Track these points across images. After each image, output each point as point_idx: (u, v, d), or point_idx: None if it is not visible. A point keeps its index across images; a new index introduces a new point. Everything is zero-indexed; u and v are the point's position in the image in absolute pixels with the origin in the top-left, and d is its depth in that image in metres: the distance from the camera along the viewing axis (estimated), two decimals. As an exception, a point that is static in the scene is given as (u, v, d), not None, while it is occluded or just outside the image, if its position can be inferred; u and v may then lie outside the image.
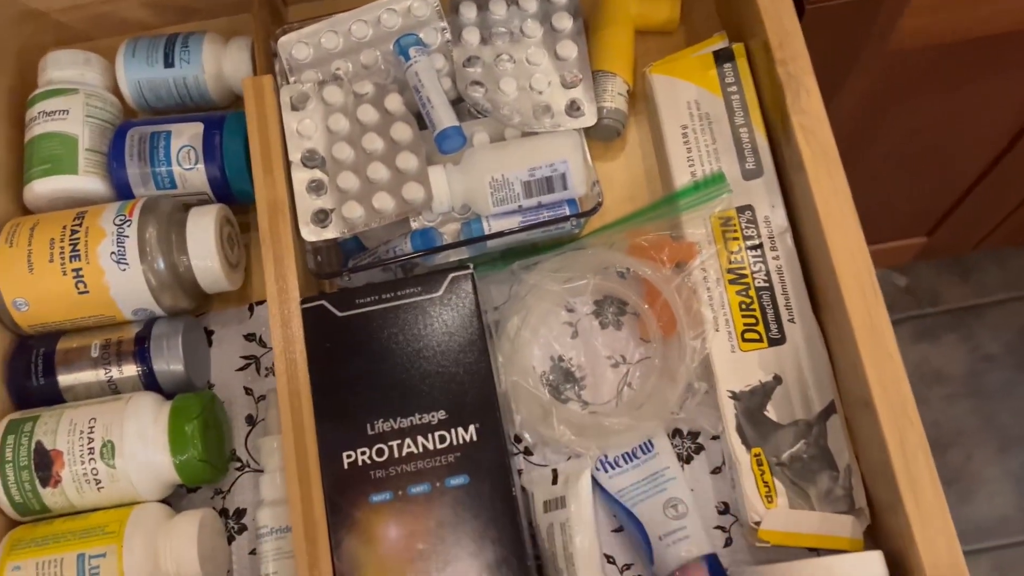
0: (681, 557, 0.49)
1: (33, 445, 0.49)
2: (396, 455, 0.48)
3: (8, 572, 0.48)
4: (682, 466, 0.52)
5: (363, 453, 0.48)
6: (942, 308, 1.40)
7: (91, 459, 0.49)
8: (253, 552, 0.53)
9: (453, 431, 0.48)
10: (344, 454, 0.48)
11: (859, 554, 0.45)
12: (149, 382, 0.53)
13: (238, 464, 0.55)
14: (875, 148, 0.91)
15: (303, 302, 0.50)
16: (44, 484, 0.49)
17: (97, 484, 0.49)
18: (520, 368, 0.53)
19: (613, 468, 0.52)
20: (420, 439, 0.48)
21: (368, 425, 0.48)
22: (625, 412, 0.52)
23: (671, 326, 0.52)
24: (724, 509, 0.52)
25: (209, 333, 0.57)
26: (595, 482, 0.52)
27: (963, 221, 1.18)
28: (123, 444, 0.49)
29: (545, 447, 0.54)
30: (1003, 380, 1.33)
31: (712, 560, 0.49)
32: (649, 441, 0.52)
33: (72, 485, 0.49)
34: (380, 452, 0.48)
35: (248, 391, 0.56)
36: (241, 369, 0.56)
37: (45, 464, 0.49)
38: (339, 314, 0.51)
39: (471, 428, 0.48)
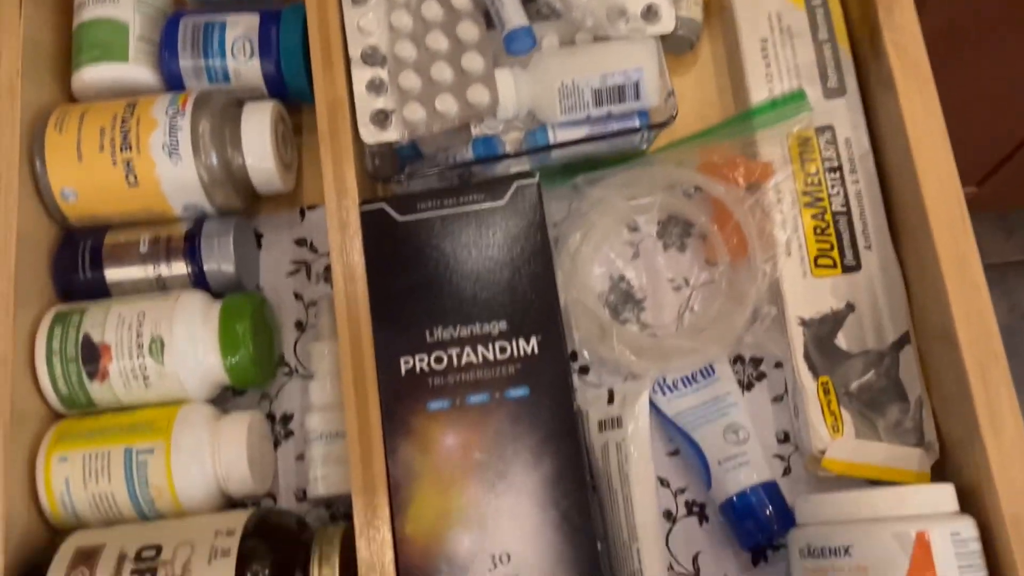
0: (740, 483, 0.47)
1: (80, 338, 0.48)
2: (455, 364, 0.46)
3: (54, 463, 0.47)
4: (742, 393, 0.51)
5: (421, 360, 0.47)
6: (984, 263, 1.37)
7: (140, 355, 0.48)
8: (300, 458, 0.52)
9: (514, 342, 0.47)
10: (402, 360, 0.47)
11: (931, 485, 0.44)
12: (198, 281, 0.51)
13: (286, 369, 0.53)
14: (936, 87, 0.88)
15: (362, 204, 0.48)
16: (91, 378, 0.48)
17: (145, 380, 0.48)
18: (579, 285, 0.51)
19: (671, 391, 0.50)
20: (480, 348, 0.47)
21: (427, 332, 0.47)
22: (687, 336, 0.51)
23: (741, 249, 0.50)
24: (784, 438, 0.50)
25: (258, 237, 0.56)
26: (652, 405, 0.50)
27: (1015, 174, 1.15)
28: (173, 342, 0.48)
29: (602, 367, 0.52)
30: (1044, 337, 1.30)
31: (772, 487, 0.48)
32: (710, 365, 0.51)
33: (119, 380, 0.48)
34: (439, 360, 0.47)
35: (298, 297, 0.54)
36: (291, 274, 0.55)
37: (93, 357, 0.48)
38: (399, 218, 0.49)
39: (532, 340, 0.47)
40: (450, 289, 0.48)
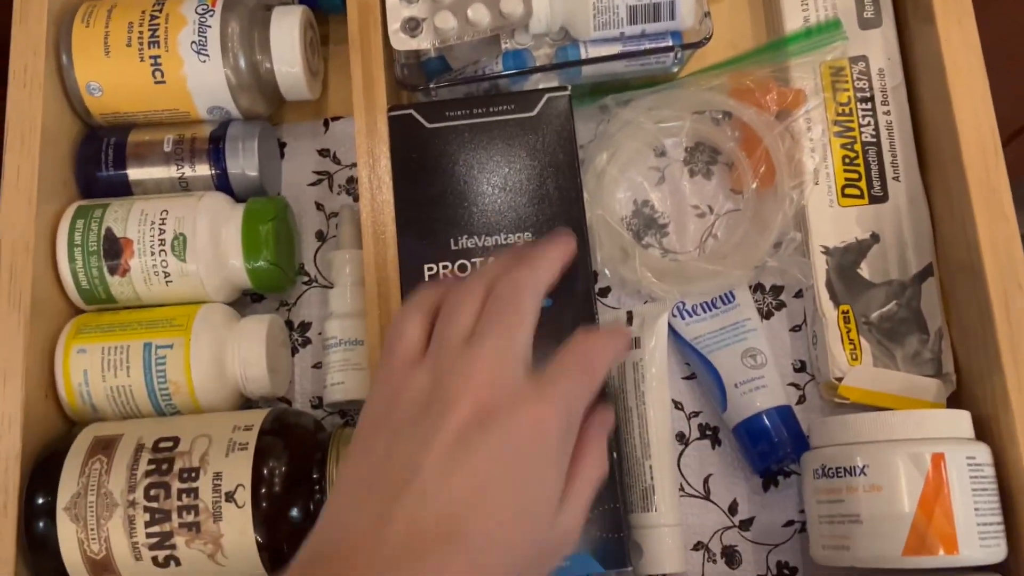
0: (756, 406, 0.48)
1: (103, 231, 0.48)
2: (479, 273, 0.46)
3: (73, 354, 0.47)
4: (761, 320, 0.51)
5: (445, 268, 0.46)
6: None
7: (162, 251, 0.48)
8: (316, 366, 0.52)
9: (539, 255, 0.47)
10: (426, 267, 0.46)
11: (949, 411, 0.44)
12: (221, 183, 0.51)
13: (305, 278, 0.53)
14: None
15: (390, 109, 0.48)
16: (112, 272, 0.48)
17: (166, 278, 0.48)
18: (604, 206, 0.51)
19: (691, 316, 0.51)
20: (504, 259, 0.46)
21: (452, 240, 0.47)
22: (709, 260, 0.51)
23: (768, 177, 0.50)
24: (800, 367, 0.50)
25: (281, 145, 0.55)
26: (670, 328, 0.50)
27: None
28: (195, 240, 0.48)
29: (622, 289, 0.52)
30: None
31: (787, 411, 0.48)
32: (730, 292, 0.51)
33: (140, 276, 0.48)
34: (463, 268, 0.46)
35: (319, 206, 0.54)
36: (313, 184, 0.55)
37: (114, 251, 0.48)
38: (428, 125, 0.48)
39: (558, 253, 0.46)
40: (476, 199, 0.47)
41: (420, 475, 0.31)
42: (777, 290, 0.52)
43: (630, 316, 0.50)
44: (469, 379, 0.32)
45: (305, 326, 0.52)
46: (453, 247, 0.47)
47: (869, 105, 0.50)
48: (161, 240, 0.48)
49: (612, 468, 0.44)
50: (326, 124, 0.55)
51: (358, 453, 0.34)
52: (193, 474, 0.43)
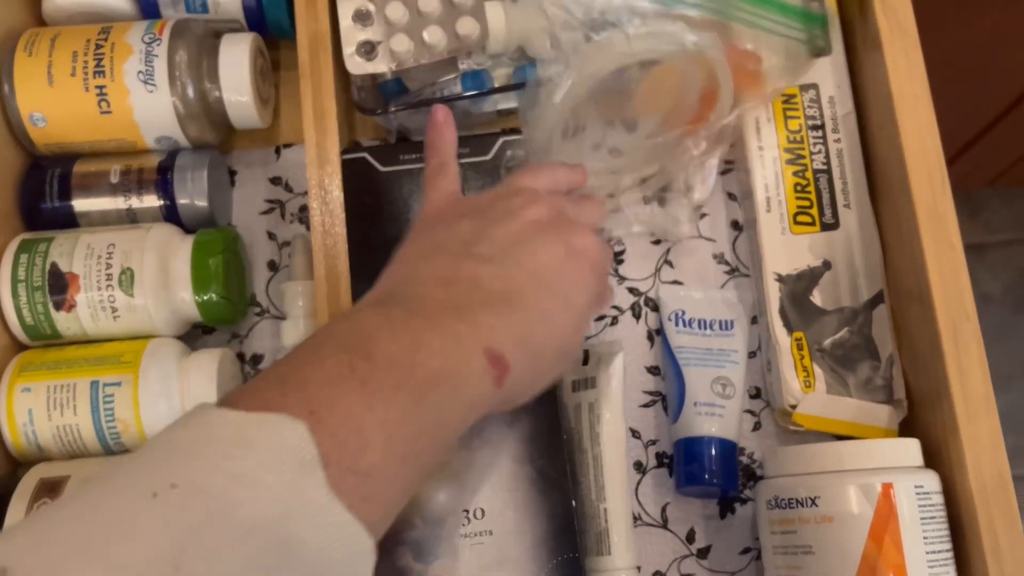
0: (704, 430, 0.48)
1: (48, 266, 0.47)
2: (431, 314, 0.46)
3: (17, 393, 0.46)
4: (747, 359, 0.51)
5: (400, 309, 0.46)
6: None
7: (109, 286, 0.47)
8: (270, 399, 0.51)
9: (493, 294, 0.46)
10: (378, 308, 0.46)
11: (897, 439, 0.44)
12: (170, 215, 0.50)
13: (257, 310, 0.52)
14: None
15: (344, 152, 0.47)
16: (58, 308, 0.47)
17: (114, 312, 0.47)
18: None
19: (685, 326, 0.50)
20: (457, 295, 0.46)
21: (405, 282, 0.46)
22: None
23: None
24: (755, 394, 0.51)
25: (232, 173, 0.54)
26: (660, 332, 0.51)
27: (983, 153, 1.16)
28: (143, 274, 0.47)
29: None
30: (998, 322, 1.33)
31: (731, 448, 0.48)
32: (731, 321, 0.50)
33: (87, 311, 0.47)
34: (416, 309, 0.46)
35: (271, 236, 0.53)
36: (265, 213, 0.54)
37: (60, 287, 0.47)
38: (381, 168, 0.48)
39: (511, 291, 0.46)
40: (430, 235, 0.47)
41: (492, 243, 0.36)
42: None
43: (585, 355, 0.50)
44: (528, 200, 0.39)
45: (257, 358, 0.52)
46: None
47: (820, 133, 0.50)
48: (108, 275, 0.47)
49: (570, 517, 0.44)
50: (278, 152, 0.55)
51: (415, 237, 0.39)
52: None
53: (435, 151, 0.42)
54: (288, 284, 0.51)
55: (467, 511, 0.44)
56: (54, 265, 0.47)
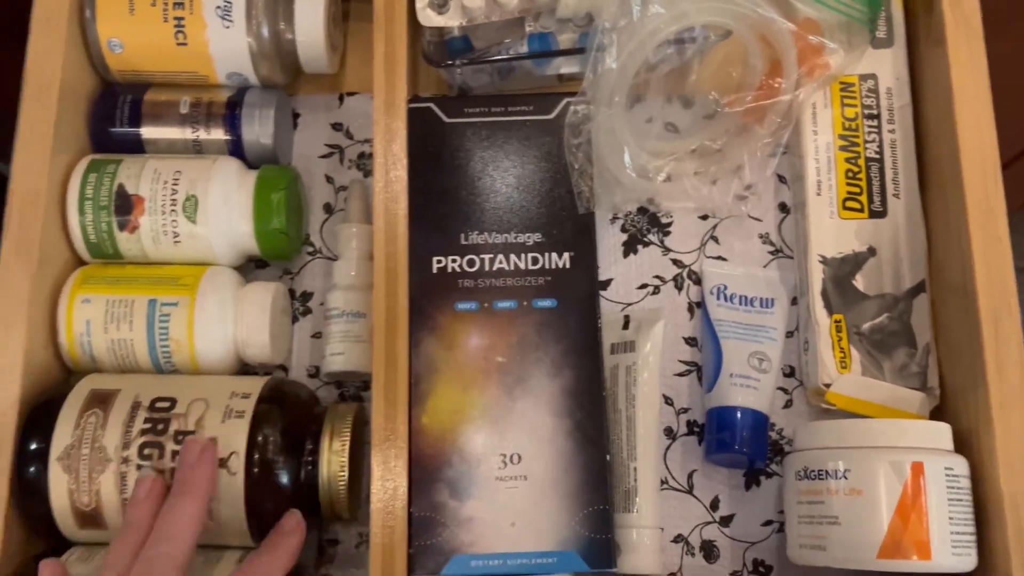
0: (739, 401, 0.49)
1: (115, 187, 0.48)
2: (487, 268, 0.47)
3: (77, 303, 0.47)
4: (785, 338, 0.52)
5: (454, 261, 0.47)
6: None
7: (173, 211, 0.48)
8: (316, 336, 0.52)
9: (547, 255, 0.48)
10: (434, 259, 0.47)
11: (931, 422, 0.45)
12: (235, 149, 0.51)
13: (310, 249, 0.54)
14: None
15: (410, 102, 0.48)
16: (122, 228, 0.48)
17: (175, 238, 0.48)
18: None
19: (726, 300, 0.51)
20: (513, 257, 0.47)
21: (462, 235, 0.48)
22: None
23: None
24: (789, 372, 0.52)
25: (295, 116, 0.56)
26: (701, 304, 0.52)
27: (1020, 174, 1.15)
28: (207, 202, 0.48)
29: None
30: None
31: (763, 420, 0.49)
32: (772, 299, 0.51)
33: (149, 234, 0.48)
34: (471, 263, 0.47)
35: (329, 179, 0.55)
36: (324, 157, 0.55)
37: (125, 208, 0.48)
38: (446, 120, 0.49)
39: (565, 255, 0.48)
40: (489, 196, 0.48)
41: None
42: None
43: (627, 320, 0.51)
44: None
45: (307, 296, 0.53)
46: (463, 241, 0.48)
47: (875, 122, 0.51)
48: (173, 200, 0.48)
49: (603, 470, 0.45)
50: (341, 99, 0.56)
51: None
52: (188, 437, 0.43)
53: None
54: (343, 226, 0.52)
55: (504, 455, 0.45)
56: (121, 187, 0.48)
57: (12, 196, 0.47)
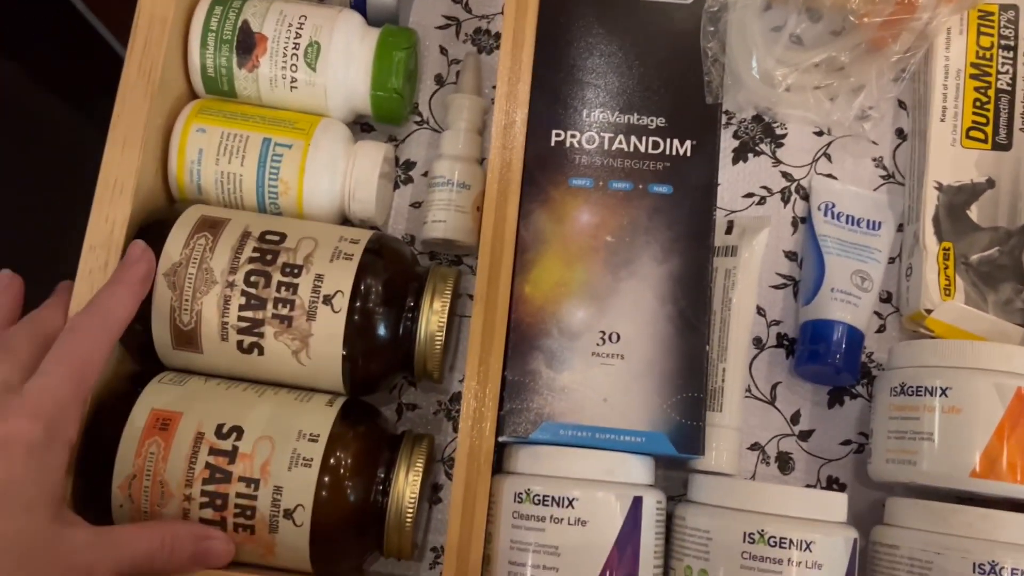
0: (836, 315, 0.48)
1: (239, 22, 0.48)
2: (606, 147, 0.47)
3: (192, 132, 0.47)
4: (888, 262, 0.51)
5: (573, 136, 0.47)
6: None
7: (294, 55, 0.48)
8: (414, 205, 0.52)
9: (668, 140, 0.47)
10: (553, 131, 0.47)
11: (1040, 353, 0.45)
12: (357, 4, 0.51)
13: (417, 119, 0.53)
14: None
15: (546, -32, 0.48)
16: (241, 66, 0.48)
17: (292, 83, 0.48)
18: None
19: (834, 218, 0.51)
20: (633, 139, 0.47)
21: (585, 111, 0.47)
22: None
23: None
24: (886, 298, 0.51)
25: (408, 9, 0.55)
26: (807, 220, 0.51)
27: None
28: (329, 51, 0.48)
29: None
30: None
31: (859, 336, 0.48)
32: (879, 221, 0.51)
33: (267, 75, 0.48)
34: (591, 140, 0.47)
35: (443, 51, 0.54)
36: (440, 28, 0.54)
37: (248, 45, 0.48)
38: (578, -9, 0.48)
39: (687, 143, 0.47)
40: (616, 74, 0.48)
41: None
42: (877, 220, 0.52)
43: (730, 225, 0.51)
44: None
45: (410, 164, 0.53)
46: (585, 117, 0.47)
47: (1011, 54, 0.50)
48: (296, 43, 0.48)
49: (701, 359, 0.44)
50: (464, -28, 0.55)
51: None
52: (295, 271, 0.43)
53: None
54: (455, 96, 0.51)
55: (603, 332, 0.45)
56: (246, 23, 0.48)
57: (139, 17, 0.46)
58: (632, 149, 0.47)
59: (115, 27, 0.98)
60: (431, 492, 0.49)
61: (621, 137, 0.47)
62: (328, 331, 0.43)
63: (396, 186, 0.53)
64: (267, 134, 0.47)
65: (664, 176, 0.46)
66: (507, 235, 0.45)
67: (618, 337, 0.45)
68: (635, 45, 0.48)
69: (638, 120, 0.47)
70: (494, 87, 0.50)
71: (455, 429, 0.49)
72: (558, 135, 0.47)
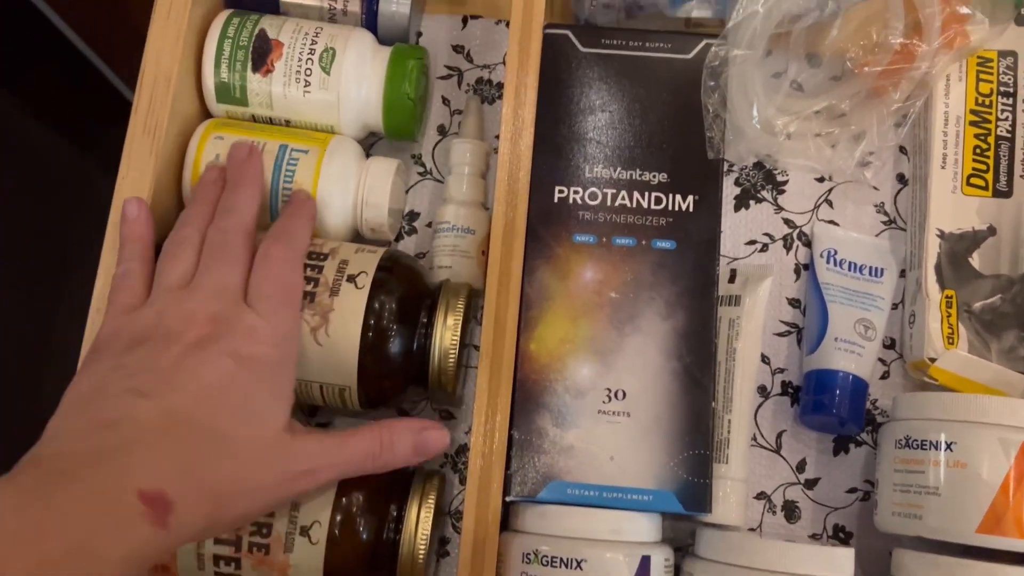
0: (840, 365, 0.48)
1: (256, 30, 0.48)
2: (608, 203, 0.47)
3: (210, 140, 0.47)
4: (891, 308, 0.51)
5: (576, 192, 0.47)
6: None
7: (310, 59, 0.48)
8: (420, 255, 0.52)
9: (670, 196, 0.47)
10: (556, 188, 0.47)
11: (1043, 406, 0.45)
12: (369, 23, 0.51)
13: (420, 169, 0.53)
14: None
15: (546, 28, 0.48)
16: (255, 70, 0.48)
17: (306, 87, 0.48)
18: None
19: (836, 265, 0.51)
20: (636, 195, 0.47)
21: (587, 167, 0.47)
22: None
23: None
24: (889, 344, 0.51)
25: (417, 35, 0.55)
26: (809, 267, 0.51)
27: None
28: (344, 57, 0.48)
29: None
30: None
31: (863, 386, 0.49)
32: (881, 268, 0.51)
33: (281, 80, 0.48)
34: (593, 196, 0.47)
35: (445, 101, 0.54)
36: (442, 78, 0.55)
37: (263, 50, 0.48)
38: (581, 48, 0.49)
39: (689, 198, 0.47)
40: (617, 130, 0.48)
41: (154, 374, 0.35)
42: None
43: (733, 274, 0.51)
44: (188, 316, 0.37)
45: (414, 215, 0.53)
46: (587, 174, 0.47)
47: (1010, 100, 0.50)
48: (312, 48, 0.48)
49: (707, 415, 0.45)
50: (464, 21, 0.55)
51: (80, 374, 0.37)
52: (321, 257, 0.44)
53: (122, 254, 0.42)
54: (458, 141, 0.51)
55: (609, 389, 0.45)
56: (263, 31, 0.48)
57: (143, 76, 0.46)
58: (635, 205, 0.47)
59: (112, 60, 0.98)
60: (438, 545, 0.49)
61: (624, 192, 0.47)
62: (349, 308, 0.43)
63: (400, 237, 0.53)
64: (284, 140, 0.47)
65: (667, 231, 0.47)
66: (511, 292, 0.45)
67: (624, 394, 0.45)
68: (637, 100, 0.48)
69: (640, 175, 0.47)
70: (497, 136, 0.51)
71: (461, 482, 0.49)
72: (561, 191, 0.47)
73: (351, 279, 0.43)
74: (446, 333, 0.44)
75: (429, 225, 0.52)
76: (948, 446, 0.43)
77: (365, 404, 0.44)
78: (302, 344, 0.43)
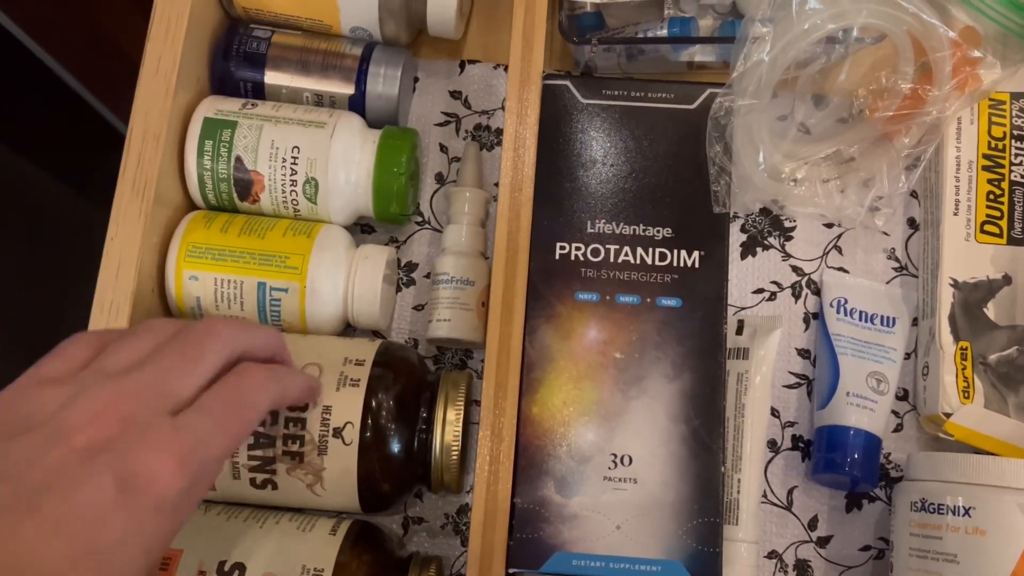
0: (852, 421, 0.47)
1: (233, 160, 0.47)
2: (611, 260, 0.46)
3: (186, 280, 0.46)
4: (904, 358, 0.50)
5: (578, 249, 0.46)
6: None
7: (293, 191, 0.47)
8: (417, 308, 0.51)
9: (675, 252, 0.46)
10: (558, 244, 0.46)
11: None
12: (356, 105, 0.49)
13: (419, 219, 0.52)
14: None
15: (545, 78, 0.46)
16: (242, 199, 0.47)
17: (295, 211, 0.48)
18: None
19: (847, 315, 0.49)
20: (640, 251, 0.46)
21: (589, 222, 0.46)
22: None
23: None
24: (902, 396, 0.50)
25: (414, 80, 0.54)
26: (819, 316, 0.50)
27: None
28: (327, 183, 0.47)
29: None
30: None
31: (876, 442, 0.47)
32: (893, 318, 0.50)
33: (270, 208, 0.48)
34: (596, 252, 0.46)
35: (443, 148, 0.53)
36: (440, 125, 0.53)
37: (245, 184, 0.47)
38: (582, 99, 0.47)
39: (695, 254, 0.46)
40: (619, 184, 0.47)
41: (16, 482, 0.27)
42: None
43: (740, 325, 0.49)
44: (96, 411, 0.29)
45: (412, 266, 0.51)
46: (589, 229, 0.46)
47: (1024, 145, 0.49)
48: (293, 181, 0.47)
49: (716, 481, 0.43)
50: (462, 66, 0.54)
51: None
52: (302, 406, 0.42)
53: (110, 330, 0.37)
54: (456, 190, 0.50)
55: (615, 455, 0.44)
56: (239, 162, 0.46)
57: (131, 133, 0.45)
58: (639, 261, 0.45)
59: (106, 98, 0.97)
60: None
61: (627, 248, 0.46)
62: (341, 464, 0.42)
63: (399, 288, 0.51)
64: (261, 277, 0.46)
65: (672, 289, 0.45)
66: (512, 353, 0.44)
67: (630, 460, 0.43)
68: (640, 152, 0.47)
69: (644, 231, 0.46)
70: (496, 184, 0.49)
71: (463, 543, 0.48)
72: (563, 247, 0.46)
73: (337, 434, 0.41)
74: (447, 429, 0.43)
75: (427, 276, 0.51)
76: (966, 511, 0.42)
77: (367, 511, 0.44)
78: (299, 496, 0.42)
